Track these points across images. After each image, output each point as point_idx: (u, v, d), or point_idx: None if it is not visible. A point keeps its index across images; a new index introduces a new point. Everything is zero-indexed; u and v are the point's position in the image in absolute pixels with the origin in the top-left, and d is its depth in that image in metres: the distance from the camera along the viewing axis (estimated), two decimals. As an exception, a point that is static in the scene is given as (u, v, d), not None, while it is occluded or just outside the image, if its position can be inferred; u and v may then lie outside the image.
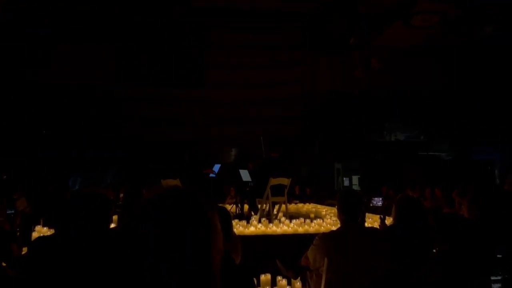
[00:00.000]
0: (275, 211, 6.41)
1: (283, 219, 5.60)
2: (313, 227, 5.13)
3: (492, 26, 9.24)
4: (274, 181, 5.86)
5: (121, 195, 8.67)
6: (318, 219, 5.64)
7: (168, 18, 9.42)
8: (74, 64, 9.69)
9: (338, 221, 2.92)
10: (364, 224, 2.86)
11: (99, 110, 10.33)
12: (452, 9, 8.05)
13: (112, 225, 2.72)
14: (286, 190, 6.14)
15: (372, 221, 5.67)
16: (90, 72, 9.75)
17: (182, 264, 0.86)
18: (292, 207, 8.51)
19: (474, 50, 10.13)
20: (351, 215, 2.71)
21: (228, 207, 7.13)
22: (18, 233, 5.27)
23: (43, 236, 2.38)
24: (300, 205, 9.20)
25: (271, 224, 5.18)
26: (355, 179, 13.33)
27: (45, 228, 4.85)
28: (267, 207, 6.10)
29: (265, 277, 3.55)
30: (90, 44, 9.62)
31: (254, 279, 3.22)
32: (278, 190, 6.02)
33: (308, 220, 5.46)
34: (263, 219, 5.35)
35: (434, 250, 2.76)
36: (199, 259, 0.87)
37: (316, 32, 10.11)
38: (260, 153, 6.69)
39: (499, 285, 2.86)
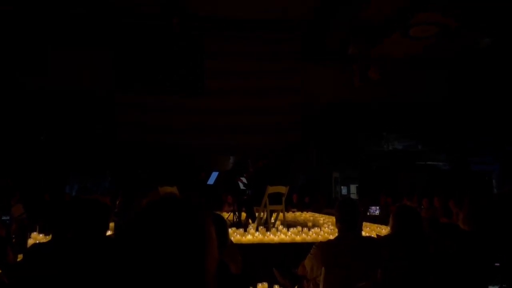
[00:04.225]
0: (272, 219, 6.39)
1: (280, 227, 5.59)
2: (310, 236, 5.12)
3: (489, 38, 9.33)
4: (271, 189, 5.86)
5: (118, 202, 8.64)
6: (316, 228, 5.63)
7: (167, 28, 9.45)
8: (72, 70, 9.69)
9: (336, 230, 2.91)
10: (361, 233, 2.85)
11: (96, 116, 10.33)
12: (450, 20, 8.12)
13: (109, 233, 2.71)
14: (283, 199, 6.13)
15: (369, 230, 5.67)
16: (87, 78, 9.75)
17: (175, 273, 0.85)
18: (290, 215, 8.50)
19: (473, 60, 10.21)
20: (348, 224, 2.70)
21: (226, 215, 7.12)
22: (13, 240, 5.24)
23: (39, 243, 2.37)
24: (298, 213, 9.19)
25: (268, 233, 5.17)
26: (353, 187, 13.32)
27: (41, 234, 4.82)
28: (265, 215, 6.09)
29: (262, 286, 3.54)
30: (88, 50, 9.64)
31: (251, 287, 3.21)
32: (275, 199, 6.02)
33: (305, 229, 5.45)
34: (260, 227, 5.34)
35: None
36: (192, 267, 0.87)
37: (316, 42, 10.17)
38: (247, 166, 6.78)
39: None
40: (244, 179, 6.97)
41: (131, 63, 9.93)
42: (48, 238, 4.50)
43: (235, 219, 6.83)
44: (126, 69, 9.90)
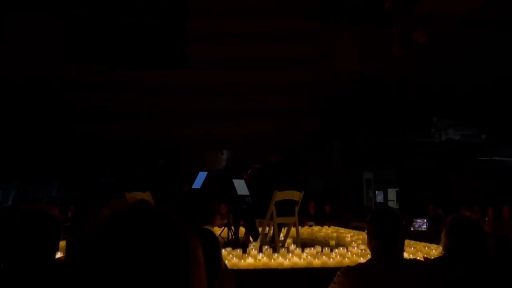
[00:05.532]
0: (281, 237, 6.42)
1: (292, 247, 5.62)
2: (333, 259, 5.15)
3: None
4: (280, 196, 5.87)
5: (70, 213, 8.70)
6: (341, 248, 5.66)
7: None
8: (10, 40, 9.62)
9: (368, 251, 2.92)
10: (402, 254, 2.86)
11: (42, 100, 10.29)
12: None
13: (59, 255, 2.71)
14: (297, 208, 6.16)
15: (414, 250, 5.70)
16: (31, 52, 9.67)
17: None
18: (306, 231, 8.55)
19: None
20: (385, 243, 2.71)
21: (218, 230, 7.14)
22: None
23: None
24: (316, 228, 9.24)
25: (276, 254, 5.20)
26: (391, 193, 13.37)
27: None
28: (271, 231, 6.10)
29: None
30: (31, 13, 9.56)
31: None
32: (286, 208, 6.04)
33: (327, 249, 5.48)
34: (265, 247, 5.36)
35: None
36: None
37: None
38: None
39: None
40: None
41: (90, 35, 9.87)
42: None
43: (230, 236, 6.86)
44: (83, 42, 9.86)
